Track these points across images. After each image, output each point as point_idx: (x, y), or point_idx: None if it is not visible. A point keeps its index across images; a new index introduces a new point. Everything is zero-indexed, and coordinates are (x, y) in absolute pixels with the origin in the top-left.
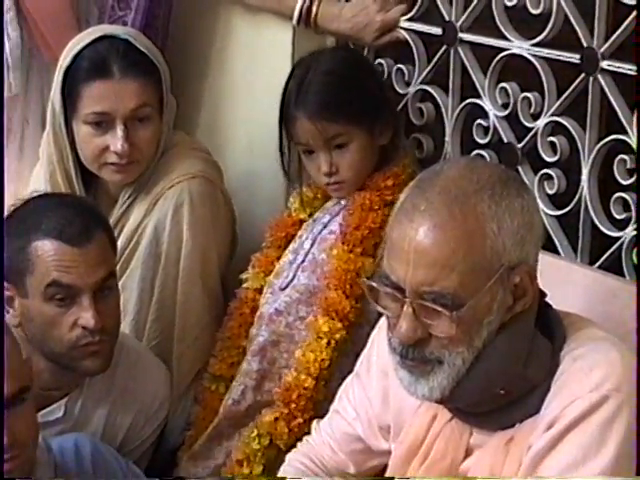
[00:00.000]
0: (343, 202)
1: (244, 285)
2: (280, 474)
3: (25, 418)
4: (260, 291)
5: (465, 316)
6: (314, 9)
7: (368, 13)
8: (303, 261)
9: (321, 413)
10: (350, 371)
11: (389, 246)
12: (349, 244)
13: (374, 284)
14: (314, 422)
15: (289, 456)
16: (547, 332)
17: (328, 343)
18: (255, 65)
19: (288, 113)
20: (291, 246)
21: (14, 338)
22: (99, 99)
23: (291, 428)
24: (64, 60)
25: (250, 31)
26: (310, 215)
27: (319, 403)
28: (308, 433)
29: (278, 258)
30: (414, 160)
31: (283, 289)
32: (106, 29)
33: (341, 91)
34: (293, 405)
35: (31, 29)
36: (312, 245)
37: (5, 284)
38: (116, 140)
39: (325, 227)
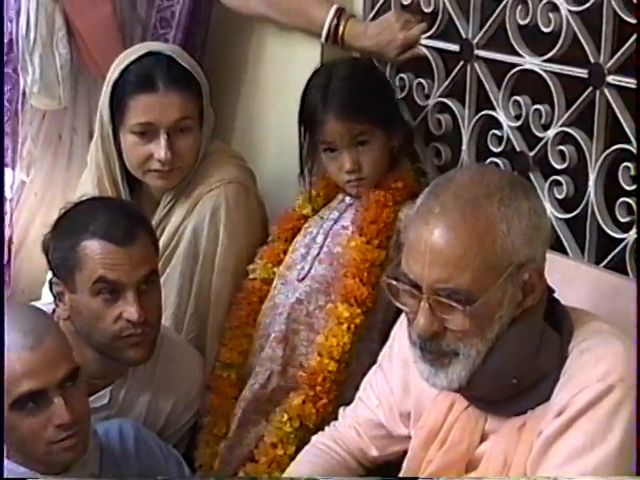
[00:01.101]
0: (347, 200)
1: (251, 276)
2: (301, 454)
3: (81, 396)
4: (266, 282)
5: (478, 311)
6: (341, 28)
7: (391, 31)
8: (318, 254)
9: (343, 394)
10: (365, 355)
11: (407, 247)
12: (366, 236)
13: (394, 282)
14: (341, 409)
15: (314, 438)
16: (556, 326)
17: (348, 328)
18: (286, 79)
19: (315, 116)
20: (301, 241)
21: (58, 325)
22: (145, 111)
23: (318, 409)
24: (112, 74)
25: (282, 48)
26: (313, 211)
27: (341, 384)
28: (333, 413)
29: (284, 251)
30: (416, 168)
31: (301, 280)
32: (151, 46)
33: (362, 94)
34: (319, 387)
35: (80, 47)
36: (325, 239)
37: (55, 280)
38: (160, 149)
39: (336, 223)
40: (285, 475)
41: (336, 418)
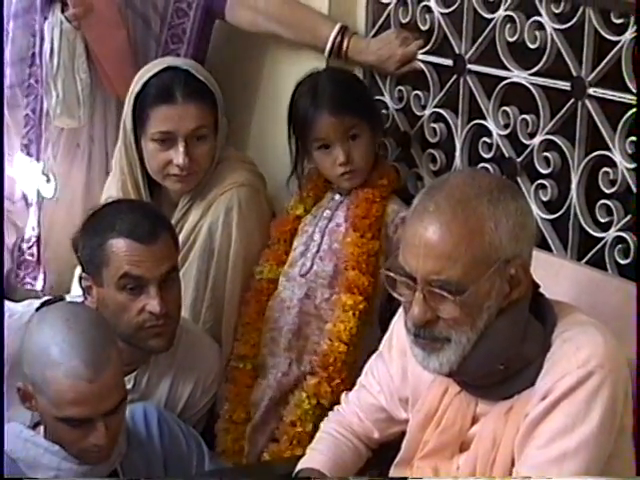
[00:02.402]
0: (337, 198)
1: (258, 277)
2: (316, 441)
3: (120, 421)
4: (272, 281)
5: (467, 300)
6: (345, 44)
7: (391, 47)
8: (318, 251)
9: (353, 373)
10: (369, 338)
11: (403, 242)
12: (360, 231)
13: (391, 274)
14: (343, 395)
15: (323, 425)
16: (540, 317)
17: (353, 314)
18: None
19: (307, 118)
20: (299, 239)
21: (117, 350)
22: (164, 120)
23: (332, 388)
24: (134, 87)
25: (292, 62)
26: (305, 211)
27: (350, 365)
28: (346, 389)
29: (286, 252)
30: (395, 169)
31: (303, 275)
32: (170, 61)
33: (349, 92)
34: (331, 368)
35: (97, 69)
36: (322, 237)
37: (84, 275)
38: (178, 155)
39: (330, 221)
40: (304, 460)
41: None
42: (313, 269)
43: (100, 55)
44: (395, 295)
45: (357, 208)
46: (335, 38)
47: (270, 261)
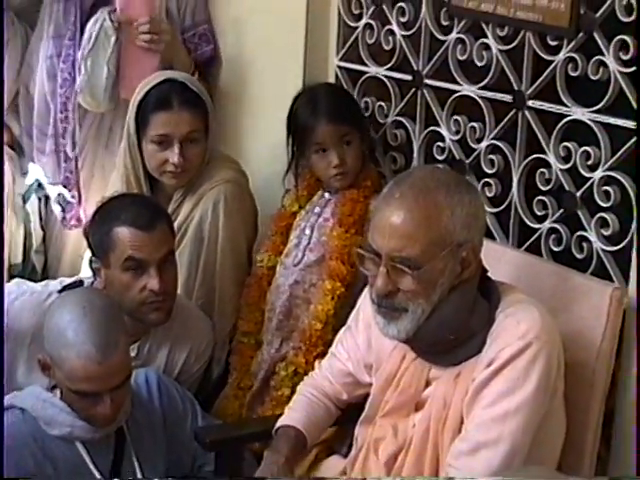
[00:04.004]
0: (326, 196)
1: (259, 264)
2: (293, 401)
3: (125, 395)
4: (271, 268)
5: (423, 276)
6: None
7: None
8: (308, 244)
9: (328, 348)
10: (347, 318)
11: (372, 224)
12: (345, 227)
13: (361, 251)
14: (316, 362)
15: (299, 388)
16: (486, 295)
17: (332, 298)
18: (275, 103)
19: (307, 126)
20: (294, 233)
21: (125, 337)
22: (162, 125)
23: (307, 359)
24: (137, 96)
25: (274, 83)
26: (300, 208)
27: (327, 341)
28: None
29: (282, 243)
30: (378, 172)
31: (296, 265)
32: (168, 74)
33: (344, 104)
34: (308, 342)
35: (123, 74)
36: (312, 231)
37: (94, 259)
38: (174, 155)
39: (319, 216)
40: (282, 418)
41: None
42: (304, 259)
43: (130, 72)
44: (362, 269)
45: (344, 207)
46: None
47: (269, 251)
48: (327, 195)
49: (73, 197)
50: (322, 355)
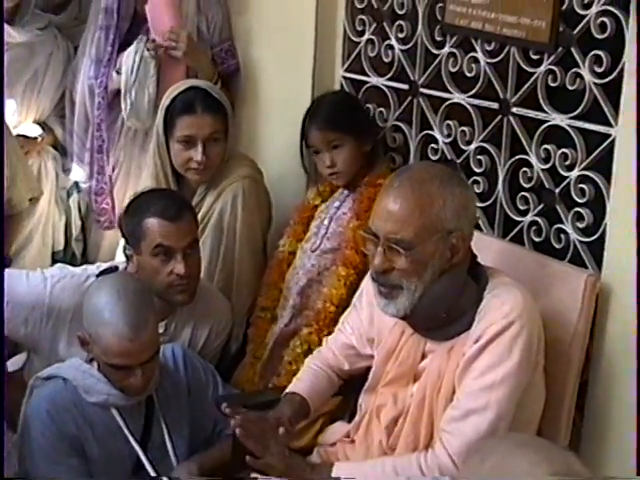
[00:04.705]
0: (345, 192)
1: (280, 249)
2: (300, 372)
3: (153, 369)
4: (291, 253)
5: (415, 257)
6: None
7: None
8: (326, 233)
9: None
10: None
11: (373, 209)
12: (361, 220)
13: (363, 233)
14: (324, 338)
15: (306, 360)
16: (475, 278)
17: (345, 283)
18: (288, 108)
19: (304, 129)
20: (314, 223)
21: (155, 317)
22: (187, 127)
23: (319, 337)
24: (165, 101)
25: (287, 87)
26: (322, 202)
27: (337, 321)
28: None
29: (303, 231)
30: (389, 166)
31: (314, 251)
32: (192, 82)
33: (339, 111)
34: (321, 323)
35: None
36: (330, 222)
37: (127, 246)
38: (197, 154)
39: (338, 210)
40: (289, 387)
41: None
42: (321, 246)
43: (164, 80)
44: (363, 250)
45: (361, 203)
46: None
47: (290, 237)
48: (346, 192)
49: (107, 204)
50: (330, 331)
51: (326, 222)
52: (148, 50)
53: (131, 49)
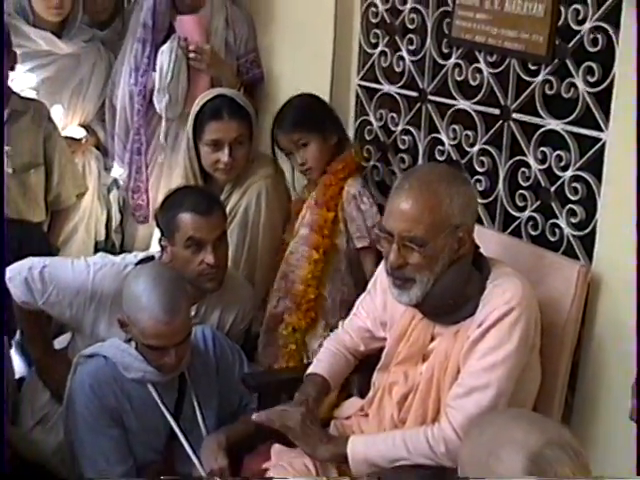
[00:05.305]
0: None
1: (287, 242)
2: (319, 354)
3: (186, 349)
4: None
5: (427, 252)
6: None
7: None
8: (304, 221)
9: (318, 305)
10: (336, 279)
11: (387, 210)
12: (321, 206)
13: (378, 232)
14: (340, 322)
15: (325, 342)
16: (479, 268)
17: (309, 263)
18: None
19: (272, 133)
20: (301, 214)
21: (188, 303)
22: (215, 131)
23: (298, 317)
24: (195, 108)
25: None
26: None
27: (310, 300)
28: (311, 318)
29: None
30: (357, 153)
31: (297, 240)
32: (219, 90)
33: (302, 113)
34: (296, 303)
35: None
36: (307, 212)
37: (162, 238)
38: (224, 155)
39: (312, 199)
40: (311, 367)
41: (313, 323)
42: (299, 233)
43: (194, 89)
44: (379, 247)
45: (319, 190)
46: None
47: (290, 232)
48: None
49: (142, 200)
50: (308, 311)
51: (304, 212)
52: (181, 48)
53: (166, 47)
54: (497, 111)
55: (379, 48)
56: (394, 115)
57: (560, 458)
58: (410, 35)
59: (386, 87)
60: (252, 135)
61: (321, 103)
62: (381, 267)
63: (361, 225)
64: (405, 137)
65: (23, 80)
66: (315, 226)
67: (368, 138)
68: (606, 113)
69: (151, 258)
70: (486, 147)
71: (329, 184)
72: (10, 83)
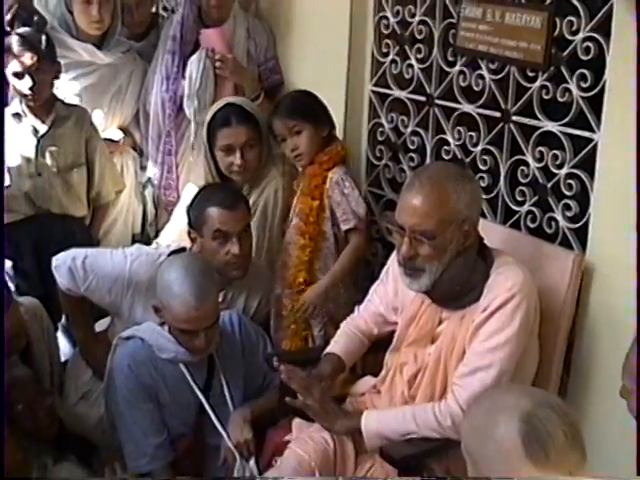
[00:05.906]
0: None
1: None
2: (336, 335)
3: (214, 332)
4: None
5: (437, 244)
6: None
7: None
8: (295, 210)
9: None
10: (329, 259)
11: (399, 205)
12: (307, 195)
13: (390, 226)
14: (355, 307)
15: (342, 325)
16: (483, 258)
17: (302, 249)
18: None
19: (270, 121)
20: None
21: (217, 290)
22: (226, 137)
23: (292, 299)
24: (207, 117)
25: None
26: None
27: (300, 282)
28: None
29: None
30: (343, 147)
31: (290, 228)
32: (229, 99)
33: (297, 104)
34: (289, 286)
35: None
36: (297, 202)
37: (192, 230)
38: (236, 159)
39: (300, 190)
40: (328, 348)
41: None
42: (291, 223)
43: (220, 84)
44: (391, 240)
45: (305, 179)
46: None
47: (288, 223)
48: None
49: (173, 197)
50: (300, 293)
51: (295, 202)
52: (208, 58)
53: (194, 58)
54: (498, 114)
55: (390, 57)
56: (404, 118)
57: (550, 416)
58: (418, 45)
59: (396, 92)
60: (262, 138)
61: (316, 98)
62: (393, 257)
63: (347, 208)
64: (414, 138)
65: (67, 88)
66: (302, 214)
67: (380, 139)
68: (598, 115)
69: (183, 249)
70: (488, 147)
71: (314, 174)
72: (55, 91)
